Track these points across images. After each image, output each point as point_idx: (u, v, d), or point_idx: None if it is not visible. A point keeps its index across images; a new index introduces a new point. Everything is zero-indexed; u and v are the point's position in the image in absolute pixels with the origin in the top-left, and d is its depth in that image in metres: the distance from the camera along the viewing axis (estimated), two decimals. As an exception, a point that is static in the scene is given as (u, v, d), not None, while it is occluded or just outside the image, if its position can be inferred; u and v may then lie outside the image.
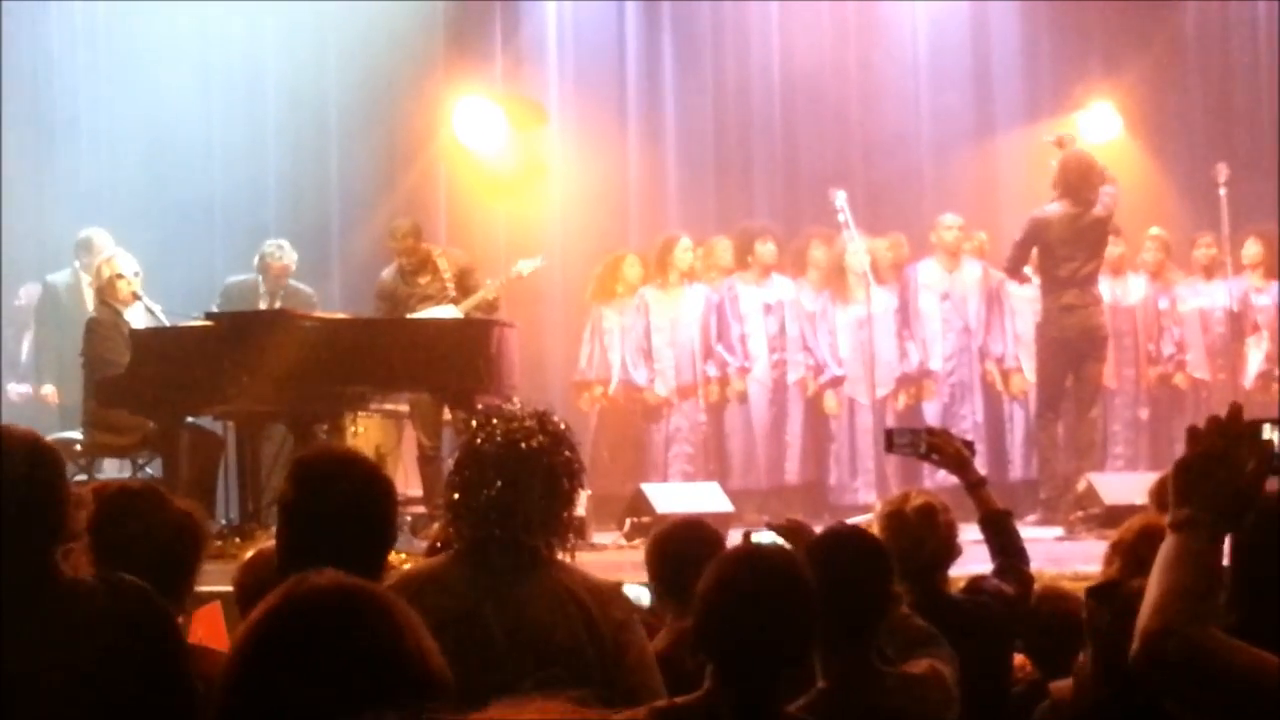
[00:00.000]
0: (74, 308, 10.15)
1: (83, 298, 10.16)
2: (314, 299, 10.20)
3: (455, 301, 9.60)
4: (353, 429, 9.59)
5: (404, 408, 9.97)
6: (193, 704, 2.76)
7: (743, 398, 10.96)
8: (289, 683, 1.90)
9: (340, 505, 3.26)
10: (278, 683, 1.90)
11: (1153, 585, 2.22)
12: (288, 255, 10.20)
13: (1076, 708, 3.86)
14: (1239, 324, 10.87)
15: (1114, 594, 3.49)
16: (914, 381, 11.06)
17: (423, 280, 9.75)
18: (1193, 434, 2.31)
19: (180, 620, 3.78)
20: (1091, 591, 3.58)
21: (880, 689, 3.37)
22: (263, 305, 9.99)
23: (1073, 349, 9.72)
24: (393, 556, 5.32)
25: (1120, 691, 3.33)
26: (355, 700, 1.88)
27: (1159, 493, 5.13)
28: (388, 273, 10.00)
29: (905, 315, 11.07)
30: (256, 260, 10.20)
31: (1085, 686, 3.63)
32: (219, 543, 7.56)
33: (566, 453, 3.71)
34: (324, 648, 1.91)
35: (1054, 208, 9.71)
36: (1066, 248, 9.63)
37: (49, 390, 10.39)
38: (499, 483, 3.64)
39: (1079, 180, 9.67)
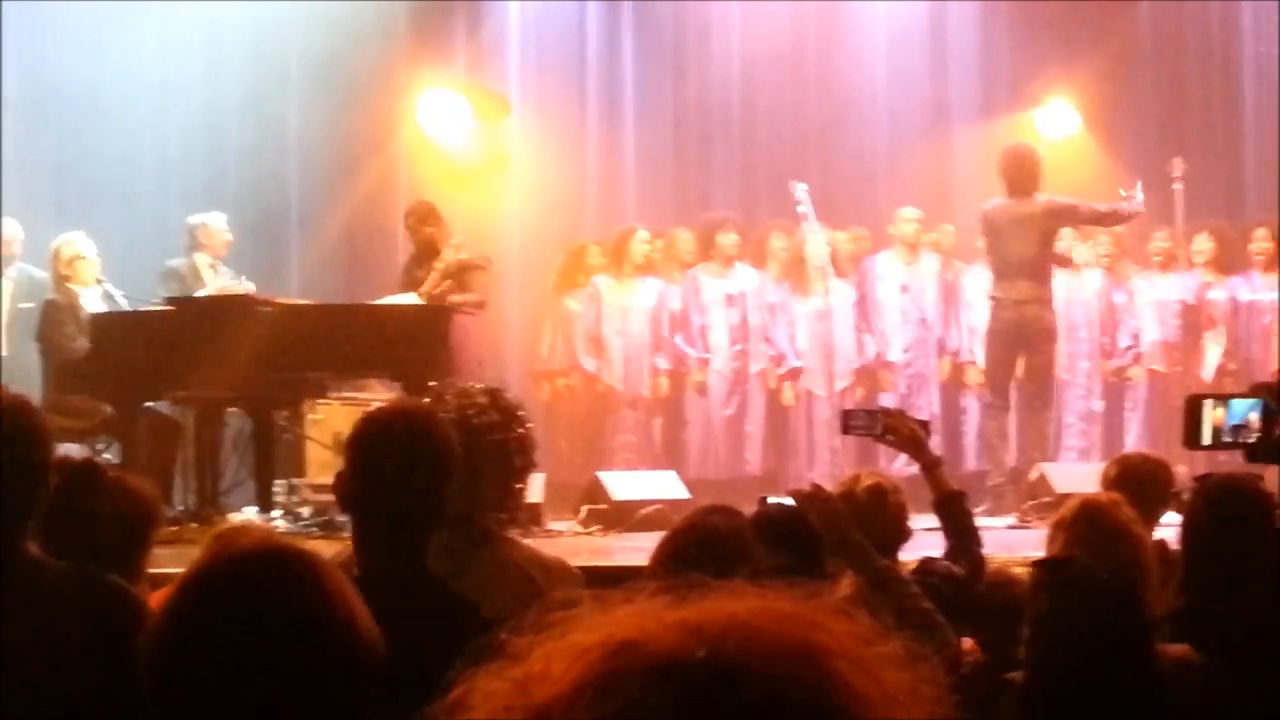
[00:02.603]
0: None
1: None
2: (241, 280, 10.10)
3: (415, 288, 9.57)
4: (312, 415, 9.60)
5: (365, 394, 9.97)
6: None
7: (702, 389, 11.02)
8: (214, 647, 1.87)
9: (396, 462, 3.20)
10: (203, 647, 1.87)
11: None
12: (224, 222, 10.09)
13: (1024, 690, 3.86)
14: (1194, 318, 10.98)
15: (1062, 570, 3.47)
16: (871, 374, 11.14)
17: (435, 265, 9.70)
18: None
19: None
20: (1040, 563, 3.56)
21: None
22: (207, 283, 9.83)
23: (1015, 341, 9.89)
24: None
25: (1060, 671, 3.31)
26: (283, 666, 1.85)
27: (1107, 478, 5.22)
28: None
29: (864, 308, 11.15)
30: (193, 237, 10.00)
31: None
32: (176, 528, 7.56)
33: (519, 430, 3.76)
34: (250, 612, 1.88)
35: (998, 200, 9.90)
36: (1004, 239, 9.80)
37: None
38: (449, 458, 3.66)
39: (1006, 173, 9.85)
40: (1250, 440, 2.80)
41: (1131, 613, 3.27)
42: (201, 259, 9.95)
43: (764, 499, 4.28)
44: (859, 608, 1.03)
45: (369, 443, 3.21)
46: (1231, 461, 4.54)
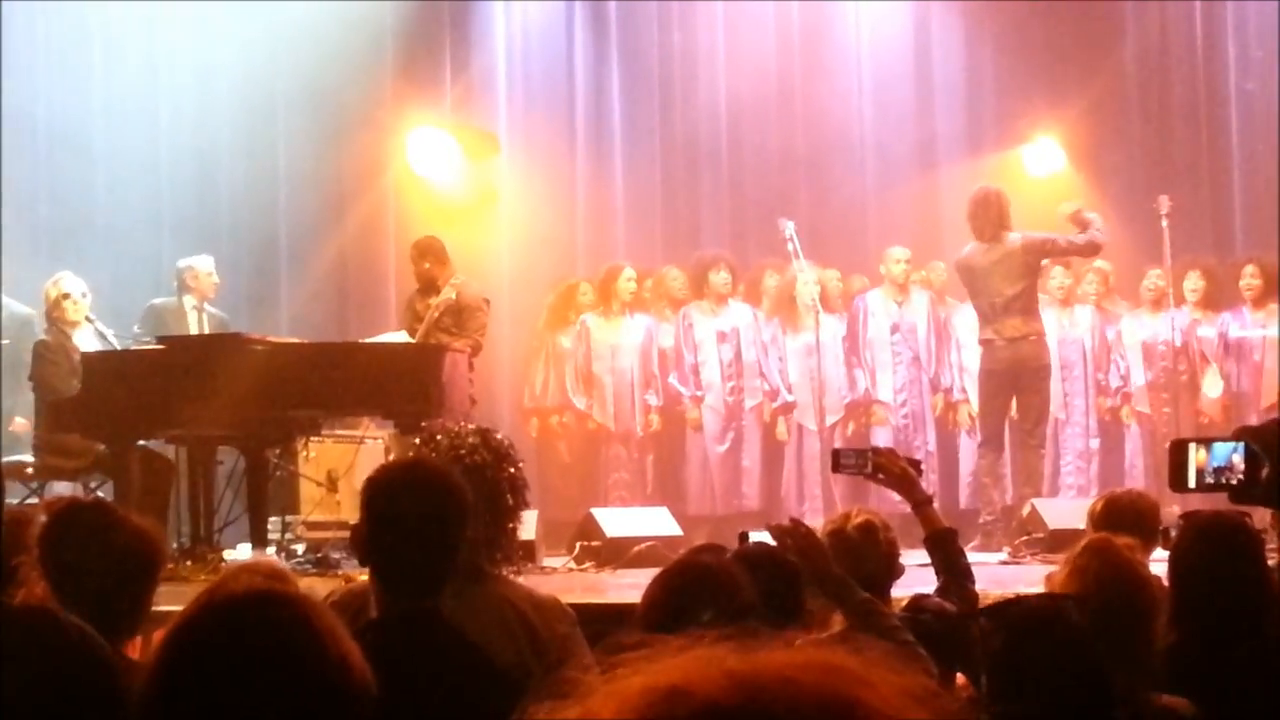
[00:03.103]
0: None
1: None
2: (228, 323, 10.16)
3: (412, 332, 9.61)
4: (305, 453, 9.61)
5: (357, 432, 9.99)
6: None
7: (697, 426, 11.05)
8: (207, 692, 1.88)
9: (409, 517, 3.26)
10: (196, 692, 1.88)
11: None
12: (211, 265, 10.15)
13: None
14: (1186, 356, 11.01)
15: (1008, 613, 3.50)
16: (862, 408, 11.18)
17: (430, 301, 9.74)
18: None
19: (138, 640, 3.81)
20: (986, 611, 3.58)
21: None
22: (191, 324, 9.86)
23: (1010, 380, 9.93)
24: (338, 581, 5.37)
25: (1015, 712, 3.30)
26: (276, 710, 1.86)
27: (1094, 514, 5.24)
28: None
29: (854, 343, 11.19)
30: (181, 279, 10.06)
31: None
32: (171, 566, 7.57)
33: (510, 469, 3.78)
34: (241, 656, 1.88)
35: (969, 247, 10.01)
36: (988, 281, 9.89)
37: None
38: (443, 498, 3.68)
39: (975, 218, 9.96)
40: (1234, 482, 2.84)
41: (1078, 650, 3.30)
42: (189, 301, 10.02)
43: (744, 535, 4.29)
44: (849, 645, 1.06)
45: (385, 494, 3.27)
46: (1222, 500, 4.58)
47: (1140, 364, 11.24)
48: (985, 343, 10.00)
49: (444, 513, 3.22)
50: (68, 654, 2.61)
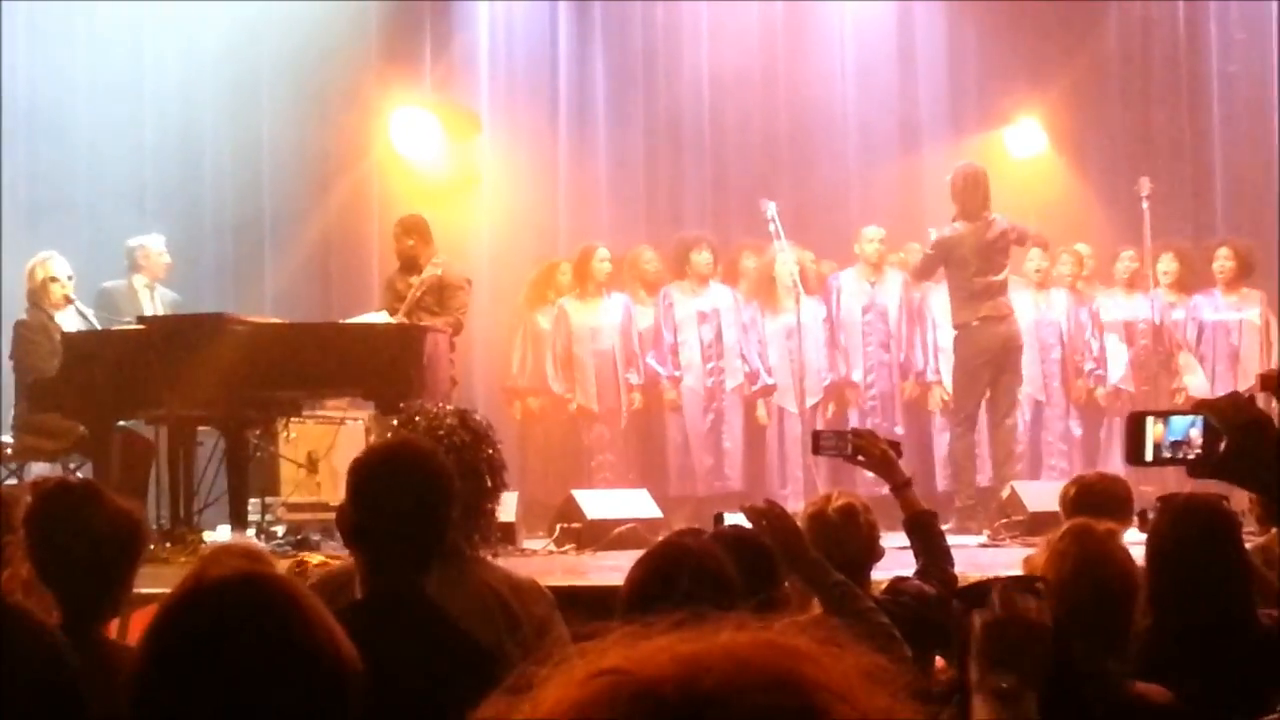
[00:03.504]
0: None
1: None
2: (182, 304, 10.07)
3: (393, 311, 9.58)
4: (285, 434, 9.60)
5: (337, 413, 9.97)
6: None
7: (674, 406, 11.04)
8: (196, 674, 1.89)
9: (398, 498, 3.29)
10: (184, 675, 1.89)
11: None
12: (163, 244, 10.05)
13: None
14: (1162, 338, 11.02)
15: (981, 594, 3.50)
16: (841, 390, 11.17)
17: (410, 280, 9.71)
18: None
19: (117, 621, 3.81)
20: (959, 594, 3.57)
21: None
22: (144, 304, 9.73)
23: (994, 361, 9.91)
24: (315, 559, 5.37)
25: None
26: (264, 690, 1.87)
27: (1065, 498, 5.25)
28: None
29: (833, 325, 11.18)
30: (132, 259, 9.97)
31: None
32: (150, 547, 7.54)
33: (489, 450, 3.79)
34: (229, 639, 1.89)
35: (958, 225, 9.94)
36: (979, 262, 9.83)
37: None
38: (420, 479, 3.68)
39: (965, 196, 9.89)
40: (1191, 456, 2.84)
41: (1041, 628, 3.30)
42: (139, 280, 9.93)
43: (719, 516, 4.29)
44: (819, 627, 1.05)
45: (371, 475, 3.30)
46: (1203, 484, 4.55)
47: (1115, 345, 11.24)
48: (963, 325, 9.96)
49: (430, 494, 3.25)
50: (19, 647, 2.59)
